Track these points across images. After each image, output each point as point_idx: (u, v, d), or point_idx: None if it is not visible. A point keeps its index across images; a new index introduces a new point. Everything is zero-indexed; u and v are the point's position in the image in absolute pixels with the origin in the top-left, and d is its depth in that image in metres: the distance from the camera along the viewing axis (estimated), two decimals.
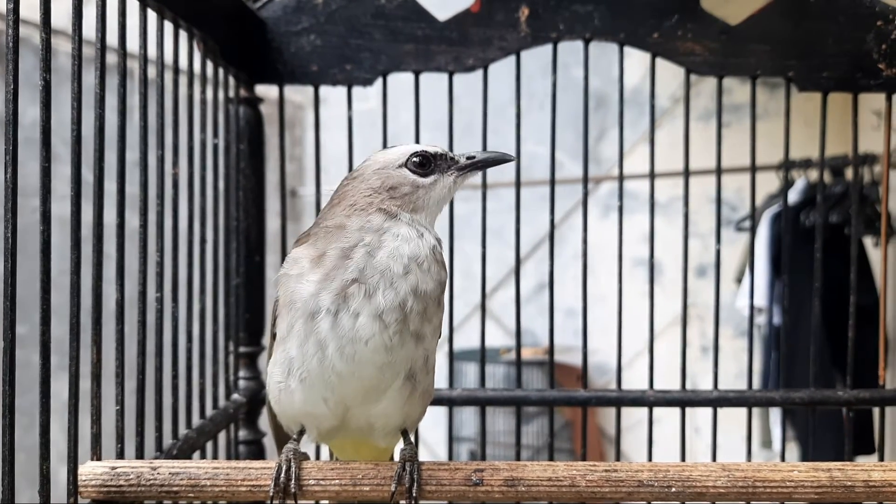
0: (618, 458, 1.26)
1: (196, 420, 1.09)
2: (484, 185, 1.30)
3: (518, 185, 1.28)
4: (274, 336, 0.87)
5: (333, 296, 0.80)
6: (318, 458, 1.22)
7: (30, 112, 1.98)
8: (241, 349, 1.29)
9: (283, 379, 0.85)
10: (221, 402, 1.21)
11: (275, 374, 0.86)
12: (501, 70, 1.29)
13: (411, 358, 0.83)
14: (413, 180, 0.86)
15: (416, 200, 0.85)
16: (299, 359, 0.83)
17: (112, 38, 0.84)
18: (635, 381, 1.48)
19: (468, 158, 0.89)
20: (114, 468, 0.81)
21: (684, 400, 1.26)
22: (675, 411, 1.27)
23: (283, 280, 0.85)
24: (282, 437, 0.97)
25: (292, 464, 0.82)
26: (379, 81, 1.27)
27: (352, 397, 0.84)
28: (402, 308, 0.80)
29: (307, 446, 0.90)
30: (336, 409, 0.85)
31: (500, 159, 0.89)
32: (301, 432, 0.88)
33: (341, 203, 0.87)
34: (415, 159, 0.86)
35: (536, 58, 1.32)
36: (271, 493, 0.81)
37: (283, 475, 0.81)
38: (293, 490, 0.81)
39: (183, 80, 1.05)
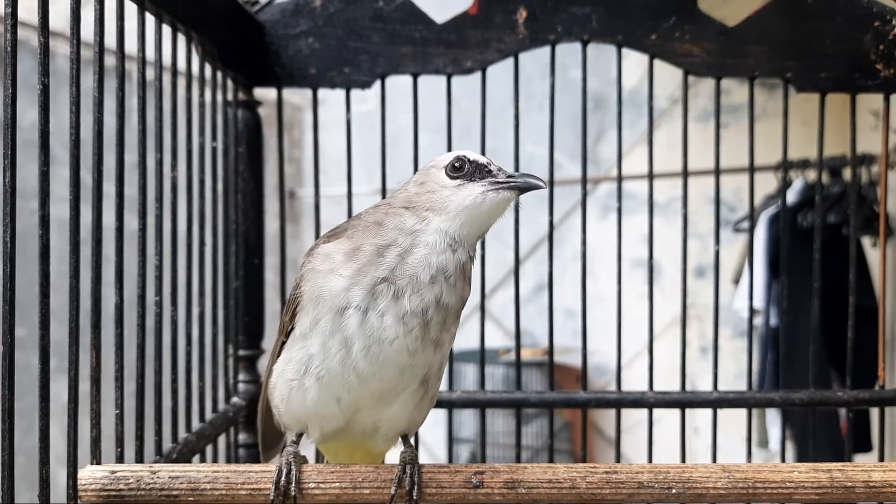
0: (618, 460, 1.26)
1: (196, 424, 1.09)
2: None
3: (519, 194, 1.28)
4: (288, 334, 0.87)
5: (365, 292, 0.80)
6: (317, 461, 1.22)
7: (28, 115, 1.98)
8: (241, 352, 1.28)
9: (296, 377, 0.84)
10: (221, 405, 1.21)
11: (287, 372, 0.86)
12: (500, 72, 1.29)
13: (429, 363, 0.84)
14: (441, 180, 0.85)
15: (436, 201, 0.84)
16: (320, 356, 0.83)
17: (110, 41, 0.84)
18: (635, 381, 1.48)
19: (508, 176, 0.86)
20: (113, 472, 0.81)
21: (684, 401, 1.26)
22: (675, 412, 1.27)
23: (309, 276, 0.84)
24: (268, 439, 0.97)
25: (293, 467, 0.82)
26: (377, 84, 1.27)
27: (366, 399, 0.84)
28: (423, 315, 0.81)
29: (306, 449, 0.90)
30: (347, 410, 0.85)
31: (534, 186, 0.86)
32: (300, 435, 0.88)
33: (386, 203, 0.88)
34: (455, 163, 0.85)
35: (535, 59, 1.33)
36: (272, 497, 0.81)
37: (283, 478, 0.81)
38: (293, 493, 0.81)
39: (181, 83, 1.06)
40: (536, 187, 0.85)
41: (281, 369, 0.87)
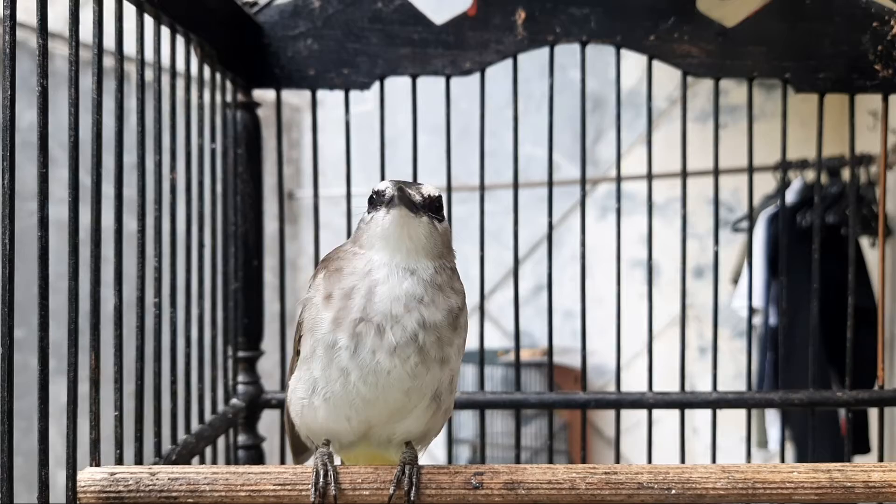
0: (617, 461, 1.27)
1: (195, 425, 1.09)
2: (482, 187, 1.30)
3: (516, 186, 1.28)
4: (297, 352, 0.88)
5: (348, 333, 0.81)
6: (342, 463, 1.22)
7: (27, 116, 1.98)
8: (240, 354, 1.28)
9: (306, 396, 0.86)
10: (220, 406, 1.21)
11: (298, 391, 0.87)
12: (498, 72, 1.29)
13: (438, 380, 0.84)
14: (364, 217, 0.86)
15: (365, 237, 0.85)
16: (323, 380, 0.84)
17: (109, 43, 0.84)
18: (634, 382, 1.48)
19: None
20: (113, 474, 0.81)
21: (683, 402, 1.26)
22: (674, 413, 1.27)
23: (308, 304, 0.86)
24: (298, 445, 0.97)
25: (329, 467, 0.83)
26: (376, 85, 1.27)
27: (376, 417, 0.85)
28: (414, 341, 0.81)
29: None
30: (359, 427, 0.86)
31: (397, 198, 0.81)
32: (327, 441, 0.88)
33: (346, 245, 0.89)
34: (371, 197, 0.86)
35: (533, 60, 1.33)
36: (312, 499, 0.81)
37: (321, 479, 0.82)
38: (333, 492, 0.81)
39: (180, 85, 1.05)
40: (396, 197, 0.81)
41: (293, 386, 0.89)
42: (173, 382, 1.01)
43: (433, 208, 0.84)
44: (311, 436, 0.90)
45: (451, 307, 0.83)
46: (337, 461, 0.90)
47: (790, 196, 2.80)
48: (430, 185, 0.86)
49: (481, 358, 1.29)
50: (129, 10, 0.88)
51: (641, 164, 1.33)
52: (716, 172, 1.30)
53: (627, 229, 1.38)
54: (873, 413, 1.31)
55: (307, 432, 0.90)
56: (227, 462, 1.26)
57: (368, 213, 0.85)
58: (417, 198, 0.82)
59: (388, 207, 0.82)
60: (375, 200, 0.84)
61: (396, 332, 0.80)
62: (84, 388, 0.78)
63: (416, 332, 0.81)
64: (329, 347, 0.82)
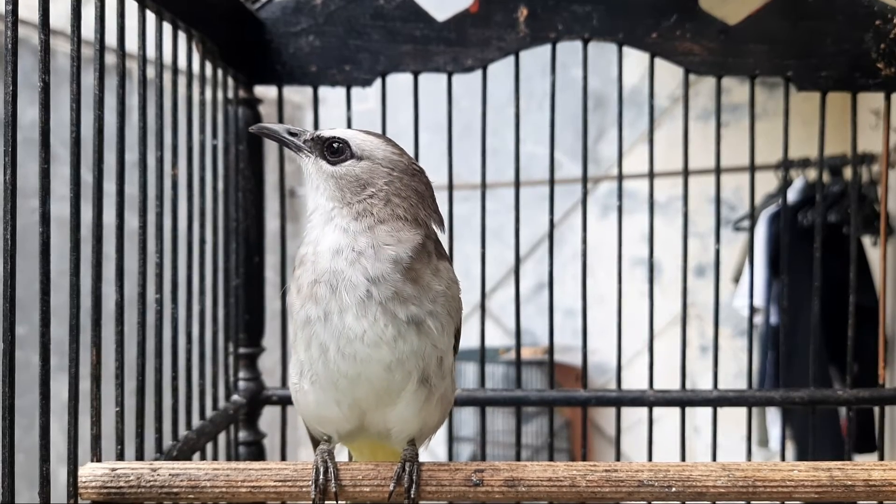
0: (618, 458, 1.26)
1: (196, 421, 1.09)
2: (483, 185, 1.30)
3: (517, 185, 1.28)
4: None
5: (312, 303, 0.82)
6: (350, 459, 1.22)
7: (29, 113, 1.98)
8: (241, 350, 1.28)
9: (297, 380, 0.86)
10: (221, 403, 1.21)
11: (292, 376, 0.88)
12: (500, 70, 1.29)
13: (420, 355, 0.81)
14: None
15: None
16: (308, 362, 0.84)
17: (111, 39, 0.84)
18: (635, 380, 1.48)
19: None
20: (114, 469, 0.81)
21: (684, 400, 1.26)
22: (675, 411, 1.27)
23: (288, 293, 0.87)
24: (316, 436, 0.97)
25: (329, 464, 0.82)
26: (378, 82, 1.27)
27: (364, 400, 0.83)
28: (369, 298, 0.79)
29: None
30: (351, 412, 0.85)
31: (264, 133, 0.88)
32: (329, 437, 0.88)
33: None
34: None
35: (535, 58, 1.32)
36: (313, 496, 0.81)
37: (321, 476, 0.82)
38: (334, 489, 0.81)
39: (182, 81, 1.05)
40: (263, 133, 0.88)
41: (289, 374, 0.89)
42: (174, 378, 1.02)
43: (325, 148, 0.85)
44: (310, 425, 0.90)
45: (398, 257, 0.81)
46: (342, 457, 0.90)
47: (792, 195, 2.79)
48: (345, 129, 0.87)
49: (482, 356, 1.29)
50: (131, 7, 0.88)
51: (643, 163, 1.33)
52: (717, 171, 1.30)
53: (629, 228, 1.38)
54: (876, 411, 1.30)
55: (306, 421, 0.90)
56: (228, 458, 1.26)
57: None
58: (304, 139, 0.86)
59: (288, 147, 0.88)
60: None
61: (348, 289, 0.80)
62: (85, 384, 0.78)
63: (367, 287, 0.80)
64: (304, 325, 0.82)
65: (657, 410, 1.27)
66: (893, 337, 2.72)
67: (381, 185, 0.84)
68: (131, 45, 0.88)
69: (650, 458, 1.23)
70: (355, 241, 0.81)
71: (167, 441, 1.00)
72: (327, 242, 0.82)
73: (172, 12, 0.98)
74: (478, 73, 1.27)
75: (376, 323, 0.79)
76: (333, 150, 0.85)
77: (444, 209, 1.29)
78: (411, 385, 0.82)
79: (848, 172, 2.76)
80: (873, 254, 2.79)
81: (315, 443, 0.97)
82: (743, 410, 1.29)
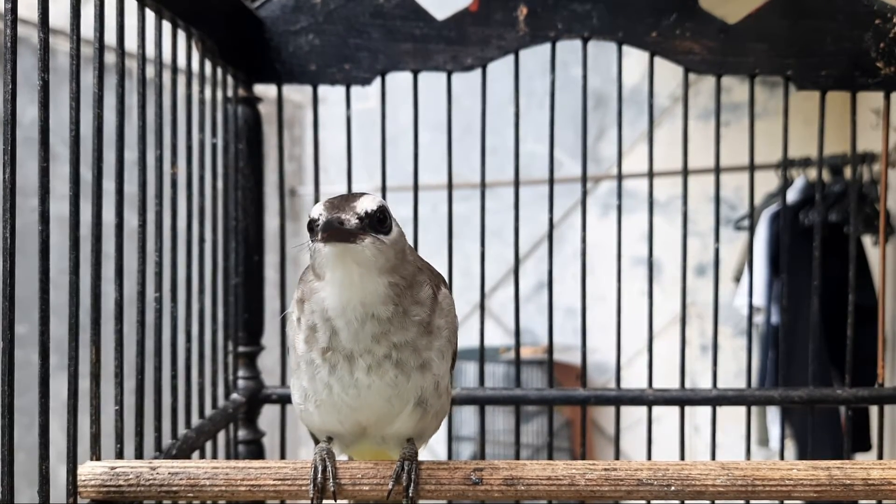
0: (617, 457, 1.27)
1: (195, 420, 1.09)
2: (483, 184, 1.30)
3: (517, 184, 1.28)
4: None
5: (320, 357, 0.82)
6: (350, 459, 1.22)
7: (28, 111, 1.98)
8: (241, 349, 1.29)
9: (301, 402, 0.87)
10: (221, 401, 1.21)
11: (294, 395, 0.89)
12: (500, 69, 1.29)
13: (419, 387, 0.83)
14: (308, 244, 0.79)
15: (314, 266, 0.79)
16: (311, 390, 0.85)
17: (110, 38, 0.84)
18: (634, 379, 1.48)
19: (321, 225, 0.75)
20: (113, 468, 0.81)
21: (683, 399, 1.26)
22: (674, 410, 1.27)
23: (288, 319, 0.86)
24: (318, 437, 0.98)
25: (327, 463, 0.83)
26: (377, 81, 1.27)
27: (366, 421, 0.86)
28: (389, 359, 0.80)
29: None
30: (353, 428, 0.87)
31: (325, 230, 0.74)
32: (329, 438, 0.89)
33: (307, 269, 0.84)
34: (309, 224, 0.79)
35: (535, 57, 1.32)
36: (311, 495, 0.81)
37: (319, 475, 0.82)
38: (332, 488, 0.82)
39: (181, 80, 1.05)
40: (329, 234, 0.74)
41: (292, 392, 0.90)
42: (174, 377, 1.02)
43: (375, 222, 0.76)
44: (315, 433, 0.92)
45: (420, 320, 0.81)
46: (342, 457, 0.91)
47: (792, 194, 2.79)
48: (369, 196, 0.77)
49: (482, 355, 1.29)
50: (131, 6, 0.88)
51: (643, 162, 1.33)
52: (717, 170, 1.30)
53: (629, 227, 1.38)
54: (874, 411, 1.30)
55: (311, 430, 0.92)
56: (228, 457, 1.26)
57: (311, 241, 0.77)
58: (353, 221, 0.74)
59: (325, 242, 0.74)
60: (314, 229, 0.76)
61: (367, 358, 0.80)
62: (85, 383, 0.78)
63: (389, 352, 0.80)
64: (309, 364, 0.83)
65: (657, 409, 1.27)
66: (893, 336, 2.72)
67: (404, 244, 0.81)
68: (131, 43, 0.88)
69: (649, 457, 1.23)
70: (391, 324, 0.79)
71: (166, 440, 1.00)
72: (358, 334, 0.79)
73: (172, 11, 0.98)
74: (478, 72, 1.27)
75: (386, 375, 0.81)
76: (380, 221, 0.77)
77: (443, 208, 1.30)
78: (408, 408, 0.85)
79: (848, 172, 2.76)
80: (873, 253, 2.79)
81: (316, 440, 0.97)
82: (742, 409, 1.29)
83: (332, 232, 0.73)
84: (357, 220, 0.74)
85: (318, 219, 0.74)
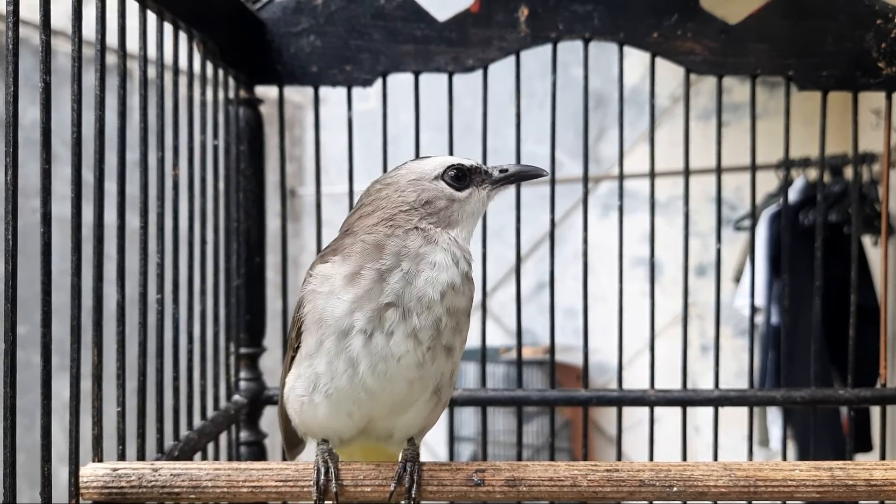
0: (619, 458, 1.26)
1: (197, 421, 1.09)
2: None
3: (518, 184, 1.28)
4: (296, 350, 0.86)
5: (368, 317, 0.79)
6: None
7: (30, 113, 1.98)
8: (242, 350, 1.29)
9: (306, 393, 0.84)
10: (222, 403, 1.21)
11: (297, 388, 0.86)
12: (501, 70, 1.29)
13: (441, 372, 0.83)
14: (450, 194, 0.85)
15: (451, 215, 0.85)
16: (327, 375, 0.82)
17: (112, 39, 0.84)
18: (635, 380, 1.48)
19: (501, 171, 0.89)
20: (115, 469, 0.81)
21: (685, 399, 1.26)
22: (676, 411, 1.27)
23: (310, 297, 0.83)
24: (292, 439, 0.97)
25: (329, 464, 0.83)
26: (378, 82, 1.27)
27: (378, 411, 0.84)
28: (436, 326, 0.80)
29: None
30: (359, 422, 0.85)
31: (534, 173, 0.88)
32: (325, 439, 0.88)
33: (374, 214, 0.85)
34: (451, 172, 0.86)
35: (536, 57, 1.32)
36: (314, 497, 0.81)
37: (322, 477, 0.82)
38: (334, 490, 0.82)
39: (183, 81, 1.05)
40: (536, 174, 0.88)
41: (291, 384, 0.87)
42: (175, 379, 1.02)
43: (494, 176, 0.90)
44: (309, 433, 0.90)
45: (470, 295, 0.84)
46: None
47: (793, 194, 2.79)
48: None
49: (483, 355, 1.29)
50: (132, 7, 0.88)
51: (644, 163, 1.33)
52: (718, 171, 1.30)
53: (630, 227, 1.38)
54: (875, 411, 1.30)
55: (305, 430, 0.90)
56: (229, 458, 1.26)
57: (460, 189, 0.86)
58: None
59: (499, 186, 0.88)
60: (468, 177, 0.86)
61: (423, 318, 0.79)
62: (86, 384, 0.78)
63: (441, 317, 0.80)
64: (342, 335, 0.80)
65: (658, 410, 1.27)
66: (894, 336, 2.72)
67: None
68: (132, 45, 0.88)
69: (651, 458, 1.23)
70: (461, 282, 0.82)
71: (168, 441, 1.00)
72: (442, 275, 0.81)
73: (173, 12, 0.98)
74: (479, 73, 1.27)
75: (420, 347, 0.80)
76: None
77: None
78: (425, 395, 0.84)
79: (849, 172, 2.76)
80: (874, 254, 2.79)
81: (290, 445, 0.97)
82: (744, 410, 1.29)
83: (509, 180, 0.88)
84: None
85: (481, 166, 0.87)
